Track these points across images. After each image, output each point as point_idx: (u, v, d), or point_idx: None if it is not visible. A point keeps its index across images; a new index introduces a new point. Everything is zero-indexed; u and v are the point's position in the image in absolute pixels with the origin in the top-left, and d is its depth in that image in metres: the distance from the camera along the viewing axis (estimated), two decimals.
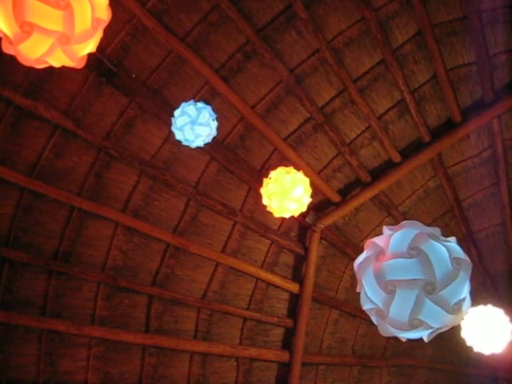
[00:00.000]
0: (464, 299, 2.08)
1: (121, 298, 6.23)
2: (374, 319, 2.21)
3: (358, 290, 2.22)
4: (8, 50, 2.48)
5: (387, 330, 2.12)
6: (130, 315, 6.31)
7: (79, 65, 2.59)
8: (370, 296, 2.10)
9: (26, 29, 2.28)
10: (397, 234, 2.11)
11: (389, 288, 2.03)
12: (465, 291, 2.08)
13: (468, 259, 2.11)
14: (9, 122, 5.25)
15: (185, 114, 4.39)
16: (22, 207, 5.51)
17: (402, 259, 2.03)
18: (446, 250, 2.07)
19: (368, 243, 2.21)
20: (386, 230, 2.19)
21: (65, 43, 2.38)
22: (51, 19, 2.28)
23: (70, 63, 2.53)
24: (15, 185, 5.43)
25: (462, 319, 2.13)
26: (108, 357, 6.19)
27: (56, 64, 2.54)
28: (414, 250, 2.03)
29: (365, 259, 2.18)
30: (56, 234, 5.77)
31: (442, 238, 2.13)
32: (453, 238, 2.16)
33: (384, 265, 2.05)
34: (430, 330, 2.10)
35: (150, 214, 6.23)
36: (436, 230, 2.14)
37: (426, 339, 2.19)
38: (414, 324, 2.04)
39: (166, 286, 6.46)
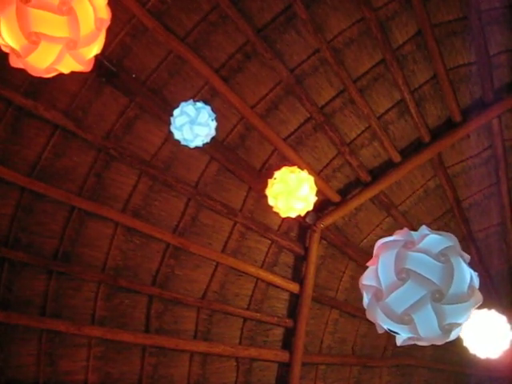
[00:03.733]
0: (458, 325, 2.07)
1: (121, 298, 6.23)
2: (365, 297, 2.18)
3: (368, 264, 2.21)
4: (16, 64, 2.47)
5: (375, 313, 2.10)
6: (130, 315, 6.31)
7: (87, 68, 2.58)
8: (380, 274, 2.08)
9: (33, 39, 2.27)
10: (434, 236, 2.11)
11: (402, 275, 2.01)
12: (463, 319, 2.07)
13: (481, 296, 2.12)
14: (9, 122, 5.25)
15: (184, 114, 4.39)
16: (22, 207, 5.51)
17: (429, 258, 2.02)
18: (469, 274, 2.08)
19: (402, 230, 2.21)
20: (424, 228, 2.18)
21: (72, 48, 2.37)
22: (56, 26, 2.27)
23: (78, 68, 2.52)
24: (15, 185, 5.43)
25: (441, 342, 2.11)
26: (108, 357, 6.19)
27: (65, 70, 2.52)
28: (443, 257, 2.04)
29: (393, 240, 2.16)
30: (56, 233, 5.77)
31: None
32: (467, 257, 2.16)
33: (410, 253, 2.05)
34: (410, 335, 2.08)
35: (149, 214, 6.23)
36: (467, 257, 2.15)
37: (399, 342, 2.17)
38: (403, 319, 2.03)
39: (166, 285, 6.46)
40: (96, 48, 2.53)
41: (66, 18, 2.27)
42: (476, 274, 2.16)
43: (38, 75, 2.55)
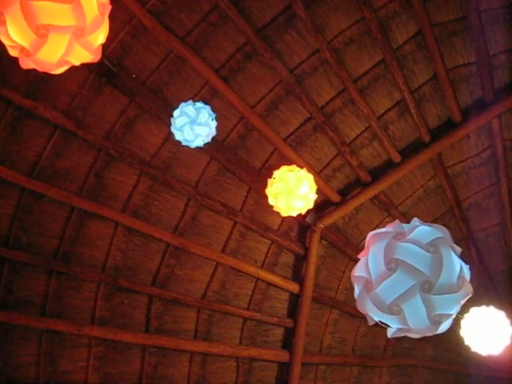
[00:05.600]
0: (448, 316, 2.07)
1: (121, 298, 6.23)
2: (356, 289, 2.19)
3: (359, 256, 2.21)
4: (27, 64, 2.47)
5: (365, 304, 2.10)
6: (130, 315, 6.31)
7: (96, 57, 2.58)
8: (370, 264, 2.09)
9: (42, 32, 2.27)
10: (424, 227, 2.12)
11: (391, 265, 2.02)
12: (453, 310, 2.07)
13: (471, 287, 2.12)
14: (9, 122, 5.25)
15: (184, 115, 4.39)
16: (22, 207, 5.51)
17: (418, 248, 2.03)
18: (459, 265, 2.08)
19: (394, 223, 2.21)
20: (415, 220, 2.19)
21: (80, 36, 2.38)
22: (62, 15, 2.27)
23: (88, 57, 2.52)
24: (15, 185, 5.43)
25: (431, 334, 2.11)
26: (108, 357, 6.19)
27: (76, 62, 2.52)
28: (432, 248, 2.04)
29: (384, 232, 2.17)
30: (56, 233, 5.77)
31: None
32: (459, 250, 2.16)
33: (399, 244, 2.06)
34: (400, 327, 2.08)
35: (149, 214, 6.23)
36: (458, 249, 2.15)
37: (389, 334, 2.17)
38: (392, 309, 2.03)
39: (166, 285, 6.46)
40: (102, 35, 2.54)
41: (70, 6, 2.27)
42: (468, 266, 2.15)
43: (50, 71, 2.55)
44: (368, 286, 2.09)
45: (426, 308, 1.99)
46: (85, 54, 2.49)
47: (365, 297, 2.10)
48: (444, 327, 2.08)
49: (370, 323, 2.17)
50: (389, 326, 2.13)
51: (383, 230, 2.20)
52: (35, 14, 2.23)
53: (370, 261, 2.10)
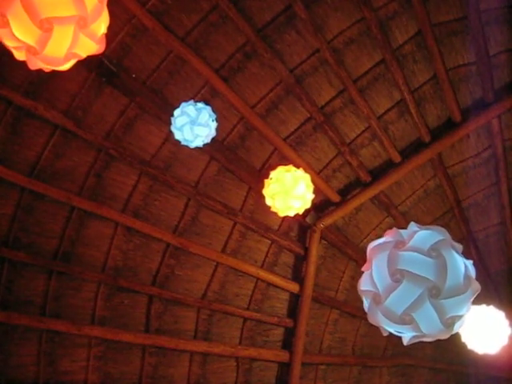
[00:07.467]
0: (460, 317, 2.07)
1: (121, 298, 6.23)
2: (365, 302, 2.18)
3: (363, 269, 2.21)
4: (35, 64, 2.47)
5: (376, 316, 2.10)
6: (130, 315, 6.31)
7: (101, 47, 2.59)
8: (375, 278, 2.08)
9: (46, 26, 2.29)
10: (423, 232, 2.10)
11: (397, 276, 2.01)
12: (464, 310, 2.06)
13: (478, 284, 2.11)
14: (9, 122, 5.24)
15: (184, 114, 4.39)
16: (22, 207, 5.51)
17: (421, 255, 2.02)
18: (463, 264, 2.08)
19: (391, 231, 2.20)
20: (413, 225, 2.18)
21: (83, 26, 2.39)
22: (63, 6, 2.29)
23: (94, 47, 2.54)
24: (15, 185, 5.43)
25: (448, 336, 2.11)
26: (108, 357, 6.19)
27: (83, 53, 2.54)
28: (434, 252, 2.03)
29: (384, 242, 2.16)
30: (56, 233, 5.77)
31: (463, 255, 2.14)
32: (460, 247, 2.15)
33: (401, 253, 2.05)
34: (415, 334, 2.08)
35: (150, 214, 6.23)
36: (459, 247, 2.14)
37: (405, 341, 2.17)
38: (404, 319, 2.03)
39: (166, 285, 6.46)
40: (104, 23, 2.55)
41: None
42: (471, 262, 2.15)
43: (58, 67, 2.56)
44: (376, 299, 2.09)
45: (437, 313, 1.98)
46: (90, 44, 2.50)
47: (375, 310, 2.09)
48: (457, 327, 2.09)
49: (384, 334, 2.18)
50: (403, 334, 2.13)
51: (382, 239, 2.19)
52: (37, 8, 2.25)
53: (375, 274, 2.09)
